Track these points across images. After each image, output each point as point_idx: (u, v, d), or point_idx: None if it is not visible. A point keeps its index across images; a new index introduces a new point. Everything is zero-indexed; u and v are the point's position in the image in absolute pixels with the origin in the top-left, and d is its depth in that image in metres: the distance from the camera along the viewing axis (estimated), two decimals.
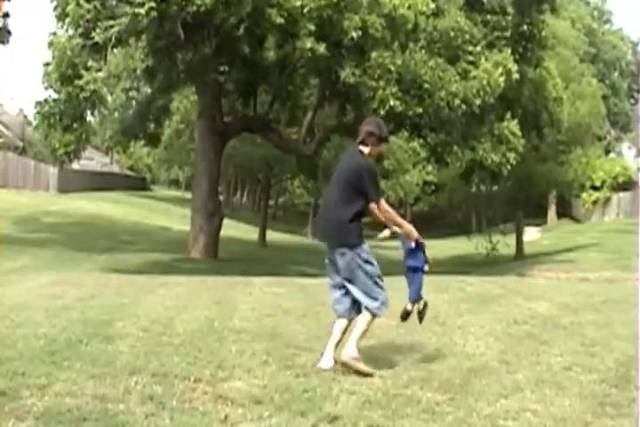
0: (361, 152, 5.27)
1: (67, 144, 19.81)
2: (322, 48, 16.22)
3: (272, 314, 7.12)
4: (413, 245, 5.37)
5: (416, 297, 5.40)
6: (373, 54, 17.31)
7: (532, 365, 5.41)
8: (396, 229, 5.33)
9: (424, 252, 5.40)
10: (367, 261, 5.15)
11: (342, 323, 5.28)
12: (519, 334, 6.50)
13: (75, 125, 19.56)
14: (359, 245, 5.16)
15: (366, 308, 5.17)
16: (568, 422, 4.12)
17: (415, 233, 5.33)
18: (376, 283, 5.15)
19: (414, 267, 5.41)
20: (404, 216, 5.83)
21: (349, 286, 5.20)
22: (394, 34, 17.73)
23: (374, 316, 5.17)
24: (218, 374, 4.73)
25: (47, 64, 19.23)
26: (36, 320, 6.20)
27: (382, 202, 5.24)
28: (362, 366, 5.03)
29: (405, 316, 5.40)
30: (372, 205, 5.16)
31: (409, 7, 17.38)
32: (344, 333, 5.25)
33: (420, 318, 5.46)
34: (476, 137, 20.18)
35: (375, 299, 5.13)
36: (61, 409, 3.81)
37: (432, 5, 17.88)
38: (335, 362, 5.14)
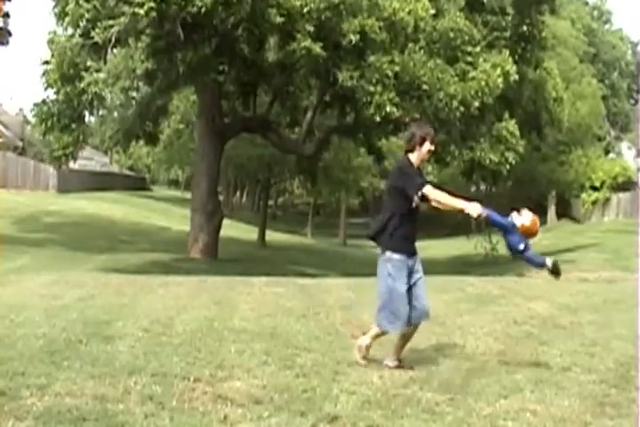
0: (409, 159, 5.30)
1: (65, 146, 19.82)
2: (317, 48, 16.20)
3: (272, 314, 7.12)
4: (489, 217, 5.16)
5: (541, 262, 5.37)
6: (371, 58, 17.30)
7: (532, 365, 5.41)
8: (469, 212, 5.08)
9: (502, 225, 5.24)
10: (390, 275, 5.18)
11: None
12: (519, 335, 6.50)
13: (73, 126, 19.55)
14: (389, 253, 5.19)
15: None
16: (567, 423, 4.12)
17: (473, 208, 5.05)
18: (390, 300, 5.17)
19: (512, 248, 5.31)
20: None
21: None
22: (393, 37, 17.71)
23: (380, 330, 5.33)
24: (217, 374, 4.73)
25: (46, 62, 19.18)
26: (35, 320, 6.20)
27: (428, 191, 5.11)
28: (357, 357, 5.29)
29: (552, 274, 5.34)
30: (416, 199, 5.11)
31: (409, 12, 17.39)
32: (403, 337, 5.35)
33: (556, 274, 5.34)
34: (475, 137, 20.18)
35: (382, 314, 5.23)
36: (61, 409, 3.82)
37: (432, 11, 17.88)
38: (399, 362, 5.31)
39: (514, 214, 5.33)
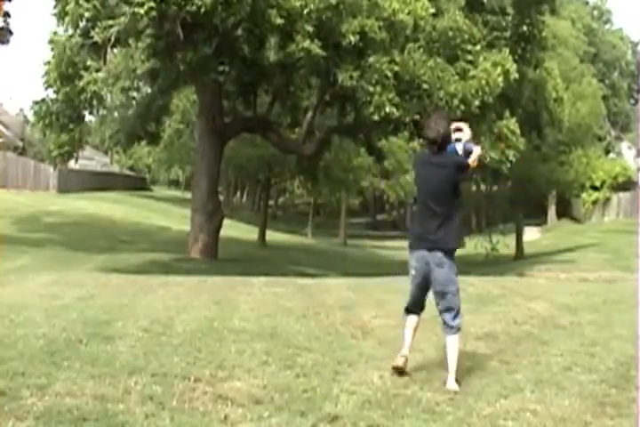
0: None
1: (61, 145, 19.83)
2: (317, 48, 16.19)
3: (272, 314, 7.12)
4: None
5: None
6: (371, 59, 17.29)
7: (532, 365, 5.42)
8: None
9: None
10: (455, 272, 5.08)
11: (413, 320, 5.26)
12: (519, 335, 6.51)
13: (71, 126, 19.56)
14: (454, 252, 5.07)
15: (451, 326, 5.08)
16: (568, 423, 4.12)
17: (478, 149, 5.34)
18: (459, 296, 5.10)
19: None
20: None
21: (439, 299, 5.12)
22: (392, 37, 17.71)
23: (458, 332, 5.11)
24: (218, 374, 4.73)
25: (48, 63, 19.27)
26: (35, 320, 6.20)
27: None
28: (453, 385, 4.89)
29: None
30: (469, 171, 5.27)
31: (408, 13, 17.38)
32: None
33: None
34: (475, 135, 20.18)
35: (458, 315, 5.10)
36: (61, 409, 3.82)
37: (431, 10, 17.87)
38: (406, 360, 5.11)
39: (460, 136, 5.37)
